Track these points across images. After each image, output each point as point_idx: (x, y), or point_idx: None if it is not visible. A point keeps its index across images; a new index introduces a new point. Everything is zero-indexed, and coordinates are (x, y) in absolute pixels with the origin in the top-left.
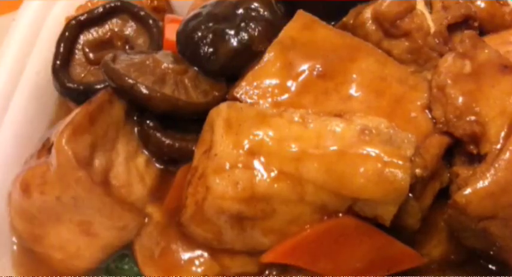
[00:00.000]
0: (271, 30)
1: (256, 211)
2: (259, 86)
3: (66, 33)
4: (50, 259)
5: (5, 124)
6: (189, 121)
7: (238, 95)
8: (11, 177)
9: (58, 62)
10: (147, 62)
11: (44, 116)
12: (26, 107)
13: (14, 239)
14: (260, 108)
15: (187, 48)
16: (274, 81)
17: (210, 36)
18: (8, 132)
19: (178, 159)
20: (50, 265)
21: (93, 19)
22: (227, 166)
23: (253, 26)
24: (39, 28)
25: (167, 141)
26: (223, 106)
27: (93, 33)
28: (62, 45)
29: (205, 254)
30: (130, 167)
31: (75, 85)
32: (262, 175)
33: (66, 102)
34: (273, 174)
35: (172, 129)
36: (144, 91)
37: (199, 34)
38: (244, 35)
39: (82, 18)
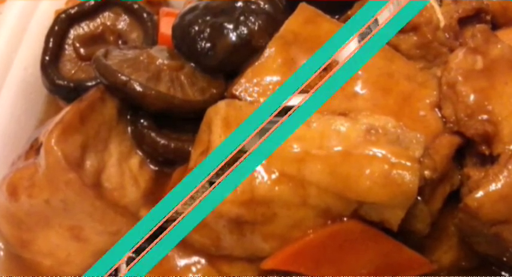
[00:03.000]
0: (272, 24)
1: (256, 215)
2: (260, 83)
3: (56, 28)
4: (38, 266)
5: None
6: (185, 120)
7: (237, 93)
8: None
9: (47, 58)
10: (141, 58)
11: (32, 114)
12: (13, 105)
13: (1, 245)
14: None
15: (184, 43)
16: (275, 78)
17: (208, 30)
18: None
19: (173, 160)
20: (39, 272)
21: (84, 12)
22: None
23: (253, 20)
24: (27, 22)
25: (162, 141)
26: (221, 104)
27: (84, 28)
28: (51, 40)
29: (203, 260)
30: (124, 169)
31: (65, 82)
32: (263, 177)
33: (56, 100)
34: (273, 176)
35: (167, 129)
36: (138, 88)
37: (196, 28)
38: (244, 29)
39: (72, 11)
